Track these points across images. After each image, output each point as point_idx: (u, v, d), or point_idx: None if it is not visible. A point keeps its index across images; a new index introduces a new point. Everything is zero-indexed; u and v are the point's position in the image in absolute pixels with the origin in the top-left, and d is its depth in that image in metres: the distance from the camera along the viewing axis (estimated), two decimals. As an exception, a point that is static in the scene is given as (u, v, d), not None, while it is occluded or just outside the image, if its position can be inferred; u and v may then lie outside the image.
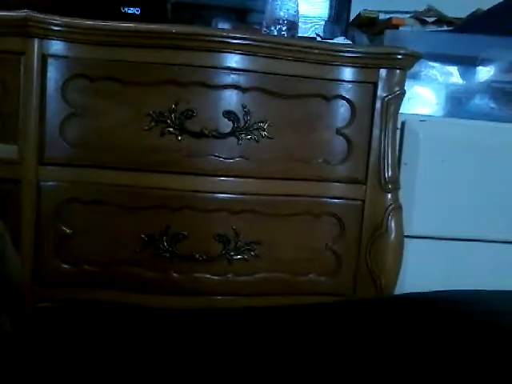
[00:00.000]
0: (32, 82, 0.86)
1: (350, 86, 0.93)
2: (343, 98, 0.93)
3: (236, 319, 0.71)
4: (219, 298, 0.93)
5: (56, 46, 0.86)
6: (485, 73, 1.13)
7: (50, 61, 0.86)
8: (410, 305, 0.74)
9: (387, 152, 0.94)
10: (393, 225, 0.95)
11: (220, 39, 0.87)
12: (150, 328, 0.67)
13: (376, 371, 0.57)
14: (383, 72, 0.93)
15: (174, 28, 0.87)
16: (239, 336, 0.65)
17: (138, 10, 1.09)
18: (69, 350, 0.60)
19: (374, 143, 0.94)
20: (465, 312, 0.69)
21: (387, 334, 0.65)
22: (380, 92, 0.93)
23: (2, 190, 0.88)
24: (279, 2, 1.00)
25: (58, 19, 0.84)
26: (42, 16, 0.84)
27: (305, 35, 1.17)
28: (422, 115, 1.07)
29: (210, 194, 0.91)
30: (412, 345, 0.62)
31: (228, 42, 0.87)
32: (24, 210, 0.87)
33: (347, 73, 0.92)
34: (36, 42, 0.85)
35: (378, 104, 0.93)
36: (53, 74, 0.86)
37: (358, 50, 0.93)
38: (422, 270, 1.02)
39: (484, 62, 1.13)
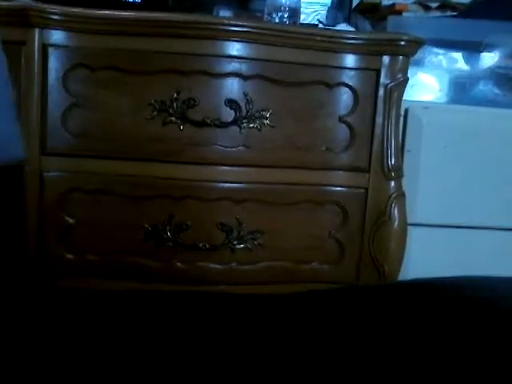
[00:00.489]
0: (33, 72, 0.86)
1: (352, 73, 0.92)
2: (346, 85, 0.92)
3: (238, 305, 0.71)
4: (222, 286, 0.93)
5: (56, 36, 0.86)
6: (489, 58, 1.12)
7: (51, 50, 0.86)
8: (414, 290, 0.74)
9: (390, 139, 0.94)
10: (396, 212, 0.95)
11: (221, 27, 0.86)
12: (149, 311, 0.68)
13: (380, 357, 0.57)
14: (386, 59, 0.92)
15: (174, 16, 0.86)
16: (240, 323, 0.65)
17: (138, -2, 1.08)
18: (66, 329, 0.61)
19: (377, 131, 0.94)
20: (469, 297, 0.69)
21: (391, 320, 0.65)
22: (383, 79, 0.93)
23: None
24: (281, -11, 0.99)
25: (58, 8, 0.84)
26: (42, 5, 0.83)
27: (307, 22, 1.17)
28: (426, 102, 1.07)
29: (213, 183, 0.91)
30: (416, 330, 0.62)
31: (229, 30, 0.86)
32: (27, 200, 0.87)
33: (350, 60, 0.92)
34: (36, 31, 0.85)
35: (381, 91, 0.93)
36: (53, 63, 0.86)
37: (361, 36, 0.92)
38: (426, 258, 1.02)
39: (488, 47, 1.12)
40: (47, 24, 0.84)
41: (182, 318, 0.67)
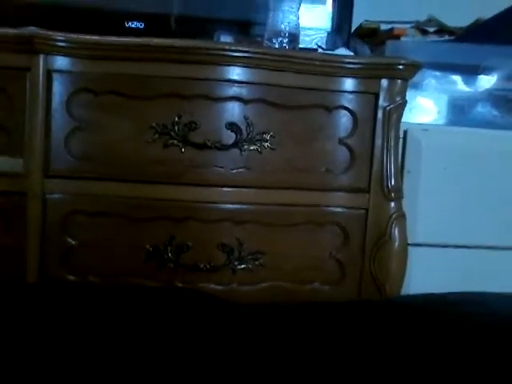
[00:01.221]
0: (37, 96, 0.87)
1: (351, 96, 0.94)
2: (345, 108, 0.94)
3: (238, 314, 0.71)
4: (223, 308, 0.93)
5: (61, 62, 0.87)
6: (487, 81, 1.13)
7: (55, 76, 0.88)
8: (412, 306, 0.75)
9: (390, 161, 0.95)
10: (396, 233, 0.96)
11: (222, 52, 0.88)
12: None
13: (376, 370, 0.57)
14: (384, 82, 0.94)
15: (176, 42, 0.88)
16: (240, 332, 0.66)
17: (141, 25, 1.11)
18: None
19: (377, 152, 0.95)
20: (466, 314, 0.69)
21: (388, 335, 0.65)
22: (382, 102, 0.94)
23: (8, 202, 0.89)
24: (280, 15, 1.01)
25: (62, 35, 0.86)
26: (47, 33, 0.85)
27: (306, 47, 1.18)
28: (425, 124, 1.08)
29: (214, 205, 0.91)
30: (413, 345, 0.62)
31: (230, 55, 0.88)
32: (30, 222, 0.88)
33: (349, 83, 0.93)
34: (41, 57, 0.86)
35: (380, 114, 0.94)
36: (57, 88, 0.88)
37: (360, 60, 0.94)
38: (426, 278, 1.02)
39: (486, 70, 1.13)
40: (51, 50, 0.86)
41: (184, 318, 0.67)
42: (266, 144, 0.92)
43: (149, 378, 0.54)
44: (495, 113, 1.12)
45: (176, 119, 0.89)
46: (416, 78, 0.98)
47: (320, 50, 1.19)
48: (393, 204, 0.95)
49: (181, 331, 0.65)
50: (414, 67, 0.94)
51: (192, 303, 0.77)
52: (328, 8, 1.23)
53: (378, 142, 0.95)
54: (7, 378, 0.52)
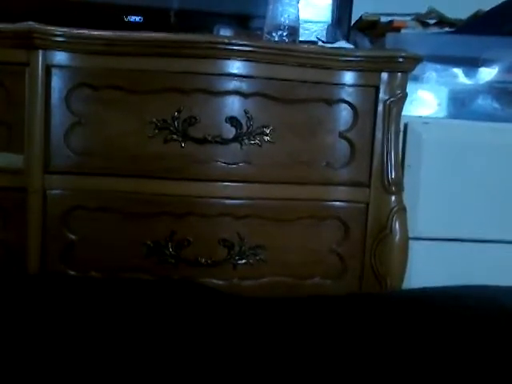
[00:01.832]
0: (37, 92, 0.87)
1: (351, 89, 0.93)
2: (345, 101, 0.94)
3: (239, 307, 0.72)
4: (225, 302, 0.93)
5: (60, 57, 0.87)
6: (487, 73, 1.13)
7: (54, 71, 0.87)
8: (416, 299, 0.75)
9: (390, 154, 0.95)
10: (397, 226, 0.96)
11: (221, 46, 0.87)
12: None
13: (377, 364, 0.57)
14: (385, 75, 0.93)
15: (175, 36, 0.88)
16: (240, 324, 0.66)
17: (140, 19, 1.10)
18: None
19: (377, 146, 0.95)
20: (471, 307, 0.70)
21: (391, 329, 0.65)
22: (382, 95, 0.94)
23: (8, 198, 0.89)
24: (280, 8, 1.00)
25: (61, 30, 0.85)
26: (45, 27, 0.85)
27: (306, 40, 1.18)
28: (425, 117, 1.08)
29: (215, 200, 0.91)
30: (417, 339, 0.62)
31: (229, 49, 0.87)
32: (30, 217, 0.88)
33: (349, 77, 0.93)
34: (40, 53, 0.86)
35: (380, 107, 0.94)
36: (57, 83, 0.88)
37: (359, 53, 0.93)
38: (428, 272, 1.02)
39: (486, 62, 1.13)
40: (50, 45, 0.86)
41: (184, 311, 0.67)
42: (266, 138, 0.91)
43: (148, 369, 0.54)
44: (496, 105, 1.11)
45: (176, 114, 0.89)
46: (416, 71, 0.98)
47: (320, 43, 1.19)
48: (393, 198, 0.95)
49: (181, 323, 0.65)
50: (415, 60, 0.94)
51: (192, 295, 0.77)
52: (328, 1, 1.22)
53: (379, 135, 0.94)
54: (8, 370, 0.53)
